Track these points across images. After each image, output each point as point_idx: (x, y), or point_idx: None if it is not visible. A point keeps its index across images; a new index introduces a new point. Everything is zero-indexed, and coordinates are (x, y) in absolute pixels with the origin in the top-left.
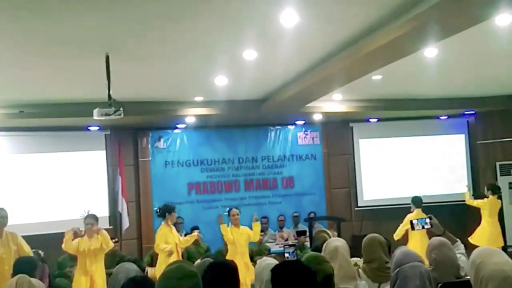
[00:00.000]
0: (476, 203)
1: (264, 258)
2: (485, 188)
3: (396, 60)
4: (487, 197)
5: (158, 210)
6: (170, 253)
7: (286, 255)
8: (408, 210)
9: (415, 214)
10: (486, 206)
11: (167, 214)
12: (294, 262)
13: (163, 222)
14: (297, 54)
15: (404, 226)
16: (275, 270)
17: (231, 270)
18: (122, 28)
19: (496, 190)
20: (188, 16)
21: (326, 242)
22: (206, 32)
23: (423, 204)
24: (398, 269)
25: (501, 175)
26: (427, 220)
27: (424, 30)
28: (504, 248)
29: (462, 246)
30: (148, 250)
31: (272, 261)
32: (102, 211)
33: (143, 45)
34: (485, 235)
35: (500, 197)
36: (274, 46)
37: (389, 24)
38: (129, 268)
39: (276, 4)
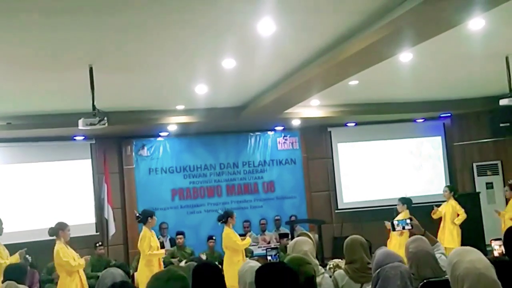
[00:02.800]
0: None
1: (247, 260)
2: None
3: (372, 66)
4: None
5: (138, 216)
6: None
7: (269, 257)
8: (385, 212)
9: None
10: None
11: (149, 218)
12: (277, 264)
13: (144, 227)
14: (275, 61)
15: None
16: (259, 272)
17: (217, 270)
18: (105, 40)
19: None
20: (168, 27)
21: (294, 243)
22: (186, 42)
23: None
24: (379, 270)
25: (478, 176)
26: (408, 221)
27: (399, 35)
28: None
29: (442, 246)
30: (135, 255)
31: (255, 264)
32: (89, 218)
33: (125, 56)
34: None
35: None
36: (252, 54)
37: (365, 31)
38: (115, 273)
39: (253, 13)
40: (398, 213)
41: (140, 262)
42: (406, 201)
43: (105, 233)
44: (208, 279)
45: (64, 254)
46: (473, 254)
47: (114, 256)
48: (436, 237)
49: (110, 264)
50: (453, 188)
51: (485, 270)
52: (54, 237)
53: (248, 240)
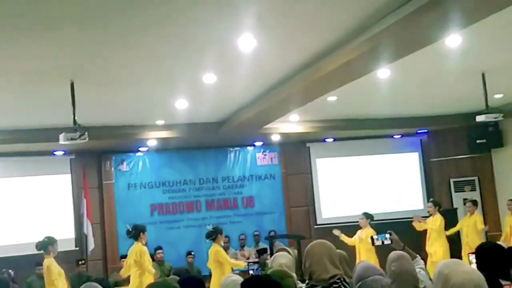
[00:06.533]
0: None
1: (229, 274)
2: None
3: (351, 82)
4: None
5: (130, 231)
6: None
7: (251, 271)
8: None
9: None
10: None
11: (141, 234)
12: (262, 277)
13: (137, 243)
14: (255, 77)
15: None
16: (244, 284)
17: (201, 284)
18: (86, 55)
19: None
20: (149, 43)
21: (273, 257)
22: (167, 57)
23: (381, 221)
24: (360, 283)
25: (455, 191)
26: (387, 236)
27: (377, 52)
28: None
29: (421, 261)
30: (113, 270)
31: (237, 278)
32: (68, 233)
33: (106, 71)
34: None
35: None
36: (233, 70)
37: (343, 47)
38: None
39: (234, 29)
40: (360, 228)
41: (138, 277)
42: (369, 216)
43: (84, 248)
44: None
45: (53, 271)
46: (466, 266)
47: (93, 271)
48: (424, 252)
49: (90, 280)
50: (437, 202)
51: (481, 282)
52: (41, 251)
53: (241, 264)
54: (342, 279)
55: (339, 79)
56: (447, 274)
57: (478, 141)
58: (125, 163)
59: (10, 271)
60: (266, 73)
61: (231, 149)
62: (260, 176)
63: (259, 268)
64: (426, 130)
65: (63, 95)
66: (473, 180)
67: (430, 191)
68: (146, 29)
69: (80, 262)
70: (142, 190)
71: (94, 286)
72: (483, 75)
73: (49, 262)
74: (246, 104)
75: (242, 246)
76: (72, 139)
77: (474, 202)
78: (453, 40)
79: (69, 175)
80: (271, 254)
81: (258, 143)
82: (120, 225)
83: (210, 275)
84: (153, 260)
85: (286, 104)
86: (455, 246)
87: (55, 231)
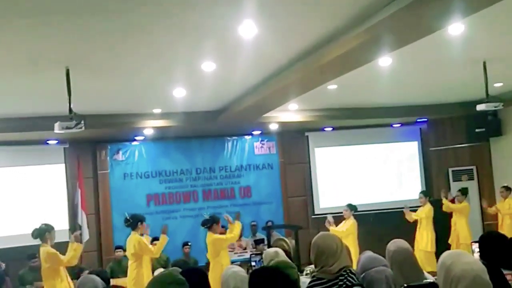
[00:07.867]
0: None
1: (230, 266)
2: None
3: (351, 70)
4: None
5: (128, 220)
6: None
7: (253, 263)
8: (362, 217)
9: None
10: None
11: (139, 223)
12: (270, 268)
13: (134, 233)
14: (255, 65)
15: None
16: (253, 275)
17: (203, 274)
18: (82, 42)
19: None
20: (147, 30)
21: (266, 250)
22: (165, 45)
23: (379, 211)
24: (364, 274)
25: (453, 181)
26: None
27: (379, 40)
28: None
29: None
30: (108, 262)
31: (238, 269)
32: (62, 224)
33: (102, 59)
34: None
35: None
36: (233, 57)
37: (344, 35)
38: (96, 279)
39: (235, 16)
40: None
41: (135, 269)
42: (352, 207)
43: (78, 240)
44: (195, 285)
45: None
46: (469, 257)
47: (88, 263)
48: (413, 239)
49: (82, 270)
50: (427, 193)
51: (481, 272)
52: (38, 240)
53: (236, 226)
54: (348, 271)
55: (340, 68)
56: (449, 265)
57: (477, 130)
58: (120, 153)
59: (1, 263)
60: (266, 61)
61: (228, 138)
62: (257, 166)
63: (261, 260)
64: (425, 119)
65: (58, 82)
66: (471, 169)
67: (428, 181)
68: (144, 15)
69: None
70: (138, 180)
71: (92, 278)
72: (484, 63)
73: (48, 249)
74: (245, 93)
75: (239, 236)
76: (67, 128)
77: (463, 192)
78: (456, 28)
79: (63, 165)
80: (269, 244)
81: (256, 132)
82: (115, 216)
83: (206, 265)
84: None
85: (286, 93)
86: (443, 234)
87: (49, 222)
